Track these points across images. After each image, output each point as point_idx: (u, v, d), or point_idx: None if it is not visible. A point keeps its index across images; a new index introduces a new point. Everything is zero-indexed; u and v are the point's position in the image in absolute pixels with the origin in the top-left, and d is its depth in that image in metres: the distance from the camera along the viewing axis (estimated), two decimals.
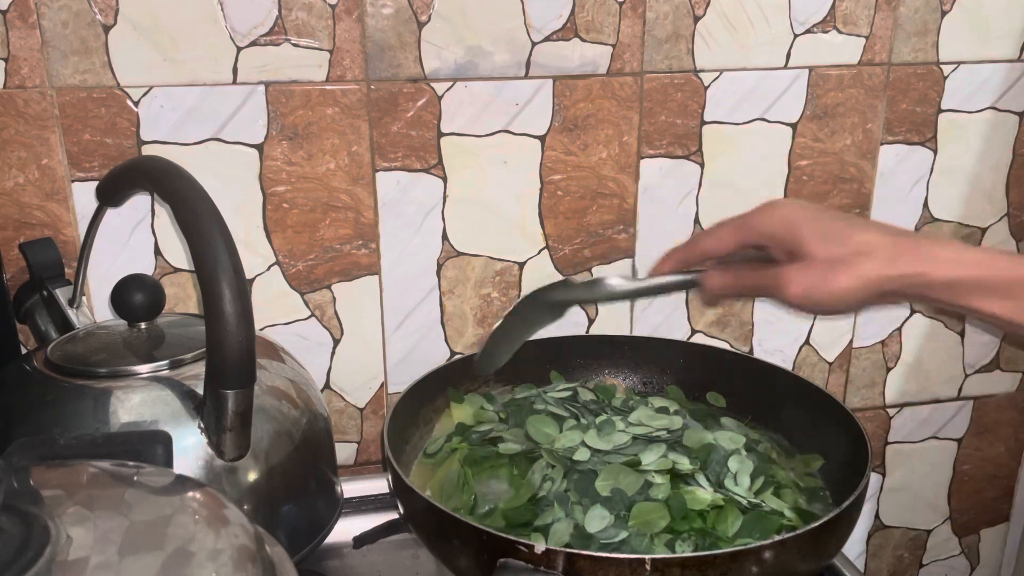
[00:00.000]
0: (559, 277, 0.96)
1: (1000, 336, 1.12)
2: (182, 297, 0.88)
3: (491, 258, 0.94)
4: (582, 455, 0.74)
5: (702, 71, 0.92)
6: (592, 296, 0.70)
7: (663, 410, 0.81)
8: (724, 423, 0.83)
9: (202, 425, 0.61)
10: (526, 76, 0.88)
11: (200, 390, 0.62)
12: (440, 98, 0.87)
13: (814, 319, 1.05)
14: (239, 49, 0.82)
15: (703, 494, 0.69)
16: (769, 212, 0.62)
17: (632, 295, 0.69)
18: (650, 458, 0.72)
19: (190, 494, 0.45)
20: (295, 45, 0.83)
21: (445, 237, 0.92)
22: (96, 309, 0.85)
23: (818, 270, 0.59)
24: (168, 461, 0.50)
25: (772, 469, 0.75)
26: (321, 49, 0.83)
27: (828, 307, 0.60)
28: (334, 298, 0.91)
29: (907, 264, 0.58)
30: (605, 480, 0.70)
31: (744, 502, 0.70)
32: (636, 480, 0.70)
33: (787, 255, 0.61)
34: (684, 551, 0.66)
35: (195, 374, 0.64)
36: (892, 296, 0.61)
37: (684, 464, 0.72)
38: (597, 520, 0.67)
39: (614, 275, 0.68)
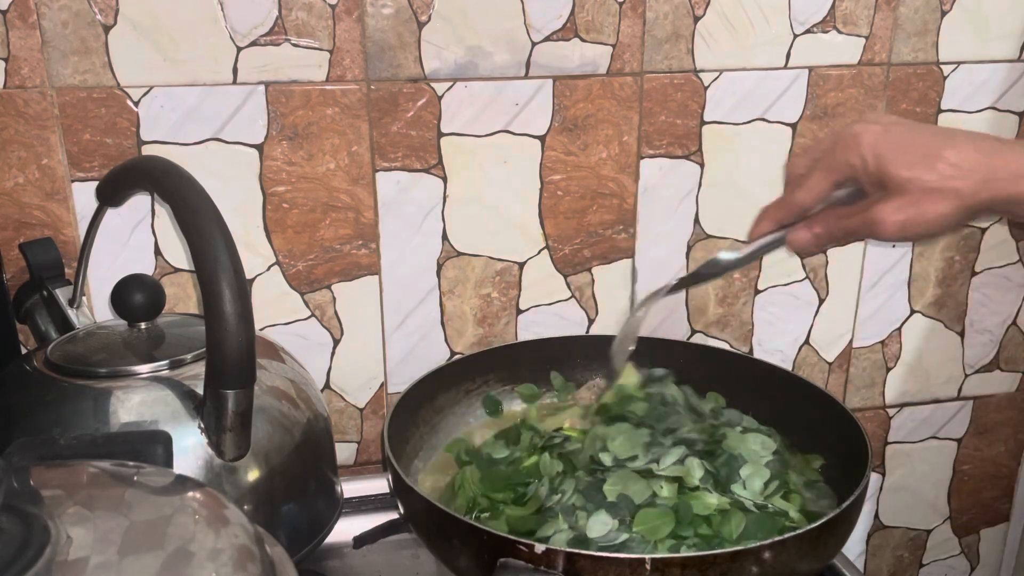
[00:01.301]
0: (559, 277, 0.96)
1: (1000, 335, 1.12)
2: (182, 297, 0.88)
3: (491, 258, 0.94)
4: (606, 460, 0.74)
5: (702, 71, 0.92)
6: (710, 275, 0.70)
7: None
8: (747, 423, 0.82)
9: (202, 425, 0.61)
10: (526, 76, 0.88)
11: (200, 390, 0.62)
12: (440, 98, 0.87)
13: (814, 319, 1.05)
14: (239, 49, 0.82)
15: (710, 499, 0.69)
16: (854, 145, 0.59)
17: (741, 264, 0.68)
18: (666, 463, 0.72)
19: (190, 494, 0.45)
20: (295, 45, 0.83)
21: (445, 237, 0.92)
22: (96, 309, 0.85)
23: (911, 203, 0.57)
24: (168, 461, 0.50)
25: (787, 475, 0.75)
26: (321, 49, 0.83)
27: (926, 236, 0.58)
28: (334, 298, 0.91)
29: (1002, 185, 0.56)
30: (613, 486, 0.70)
31: (750, 504, 0.70)
32: (644, 488, 0.70)
33: (878, 186, 0.59)
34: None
35: (195, 374, 0.64)
36: (988, 213, 0.59)
37: (694, 474, 0.72)
38: (600, 525, 0.67)
39: (722, 250, 0.69)
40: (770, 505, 0.71)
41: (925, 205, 0.57)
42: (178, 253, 0.86)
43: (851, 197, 0.62)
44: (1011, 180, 0.56)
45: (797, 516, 0.71)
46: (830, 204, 0.63)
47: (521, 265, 0.95)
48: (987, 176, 0.56)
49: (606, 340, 0.92)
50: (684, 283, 0.71)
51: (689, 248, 0.98)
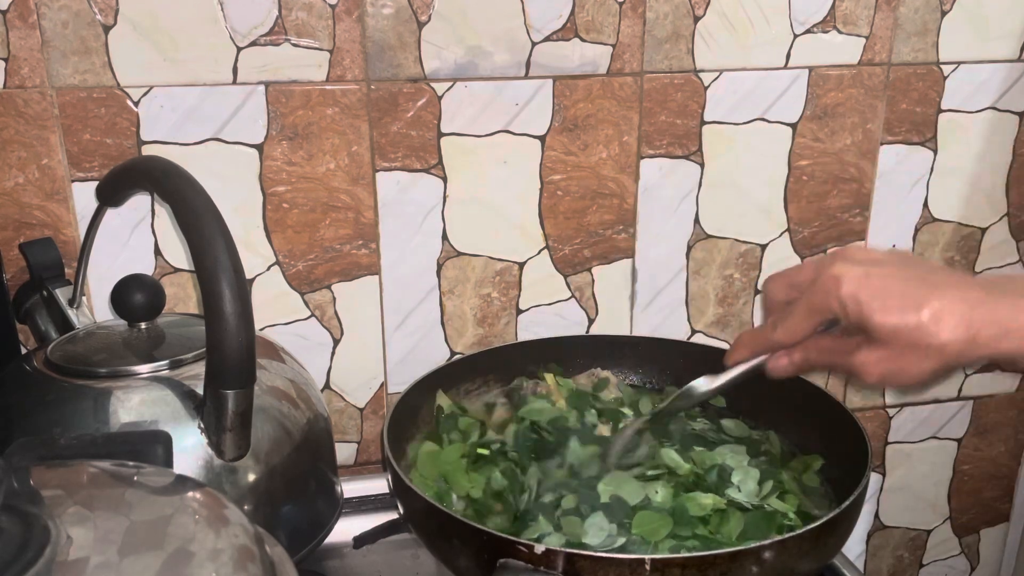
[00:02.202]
0: (559, 277, 0.96)
1: None
2: (182, 297, 0.88)
3: (491, 258, 0.94)
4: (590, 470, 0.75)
5: (702, 71, 0.92)
6: (685, 406, 0.73)
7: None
8: (725, 426, 0.83)
9: (202, 425, 0.61)
10: (526, 76, 0.88)
11: (200, 390, 0.62)
12: (440, 98, 0.87)
13: None
14: (239, 49, 0.82)
15: (705, 499, 0.69)
16: (834, 288, 0.57)
17: (717, 393, 0.70)
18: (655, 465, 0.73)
19: (190, 494, 0.45)
20: (295, 45, 0.83)
21: (445, 237, 0.92)
22: (96, 309, 0.85)
23: (893, 358, 0.56)
24: (168, 461, 0.50)
25: (777, 474, 0.75)
26: (321, 49, 0.83)
27: (909, 387, 0.59)
28: (334, 298, 0.91)
29: (987, 343, 0.54)
30: (607, 486, 0.70)
31: (747, 504, 0.70)
32: (636, 487, 0.70)
33: (859, 331, 0.58)
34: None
35: (195, 374, 0.64)
36: (974, 364, 0.59)
37: (682, 465, 0.73)
38: (596, 530, 0.67)
39: (699, 380, 0.70)
40: (767, 505, 0.71)
41: (909, 360, 0.56)
42: (178, 253, 0.86)
43: (832, 327, 0.62)
44: (997, 338, 0.54)
45: (794, 516, 0.71)
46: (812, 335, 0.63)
47: (521, 265, 0.95)
48: (972, 334, 0.54)
49: (606, 340, 0.93)
50: (659, 415, 0.76)
51: (689, 248, 0.98)
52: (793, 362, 0.63)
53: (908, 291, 0.55)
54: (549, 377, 0.87)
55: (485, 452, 0.77)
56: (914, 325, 0.54)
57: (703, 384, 0.69)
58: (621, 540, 0.67)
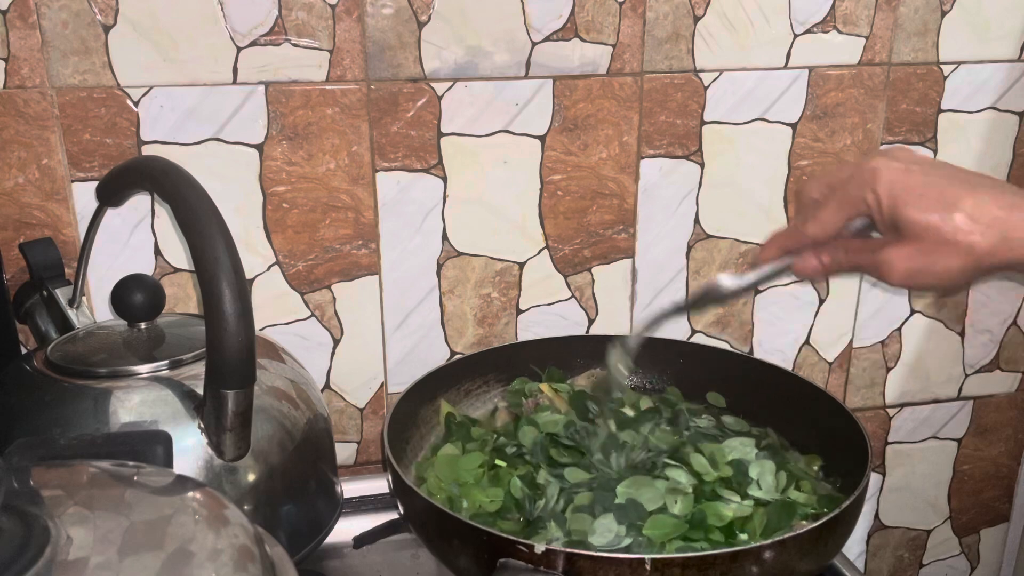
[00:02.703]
0: (559, 277, 0.96)
1: (1001, 335, 1.12)
2: (182, 297, 0.88)
3: (491, 258, 0.94)
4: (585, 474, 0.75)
5: (702, 71, 0.92)
6: (711, 301, 0.69)
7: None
8: (726, 422, 0.83)
9: (202, 425, 0.61)
10: (526, 76, 0.88)
11: (200, 390, 0.62)
12: (440, 98, 0.87)
13: (814, 319, 1.05)
14: (239, 49, 0.82)
15: (725, 510, 0.69)
16: (871, 181, 0.57)
17: (743, 292, 0.68)
18: (675, 475, 0.73)
19: (190, 494, 0.45)
20: (295, 45, 0.83)
21: (445, 237, 0.92)
22: (96, 309, 0.85)
23: (921, 252, 0.55)
24: (168, 461, 0.50)
25: (786, 464, 0.76)
26: (321, 49, 0.83)
27: (932, 288, 0.57)
28: (334, 298, 0.91)
29: (1018, 245, 0.53)
30: (626, 488, 0.70)
31: (768, 499, 0.70)
32: (656, 494, 0.70)
33: (892, 228, 0.57)
34: None
35: (195, 374, 0.64)
36: (1000, 272, 0.57)
37: (709, 470, 0.73)
38: (603, 530, 0.67)
39: (723, 275, 0.67)
40: (788, 496, 0.71)
41: (937, 257, 0.55)
42: (178, 253, 0.86)
43: (863, 230, 0.60)
44: None
45: (813, 501, 0.72)
46: (841, 235, 0.61)
47: (521, 265, 0.95)
48: (1005, 234, 0.53)
49: (606, 340, 0.93)
50: (683, 308, 0.71)
51: (689, 248, 0.98)
52: (822, 263, 0.62)
53: (944, 188, 0.55)
54: (545, 387, 0.86)
55: (503, 464, 0.77)
56: (947, 220, 0.54)
57: (728, 280, 0.66)
58: (627, 542, 0.66)
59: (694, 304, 0.70)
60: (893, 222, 0.56)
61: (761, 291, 1.02)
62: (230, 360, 0.58)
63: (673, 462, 0.75)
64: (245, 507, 0.64)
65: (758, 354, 1.04)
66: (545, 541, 0.67)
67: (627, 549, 0.66)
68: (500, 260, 0.94)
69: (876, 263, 0.58)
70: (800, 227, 0.62)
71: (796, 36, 0.93)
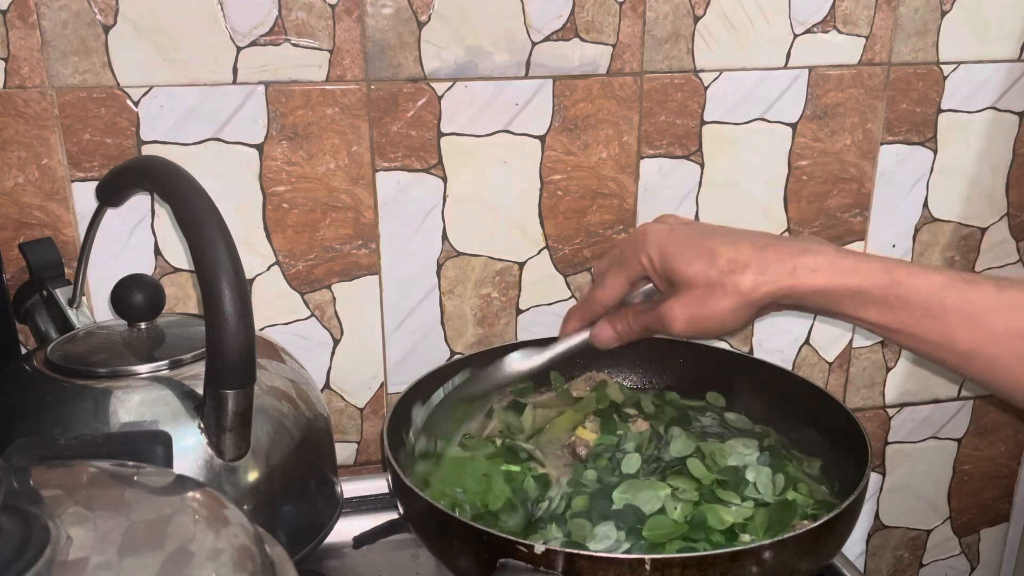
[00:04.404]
0: (559, 277, 0.96)
1: None
2: (182, 297, 0.88)
3: (491, 258, 0.94)
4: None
5: (702, 71, 0.92)
6: (501, 382, 0.73)
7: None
8: (729, 419, 0.83)
9: (202, 425, 0.61)
10: (526, 76, 0.88)
11: (200, 390, 0.62)
12: (440, 98, 0.87)
13: (814, 319, 1.05)
14: (239, 49, 0.82)
15: (725, 514, 0.69)
16: (642, 243, 0.62)
17: (540, 370, 0.71)
18: (674, 480, 0.73)
19: (190, 494, 0.45)
20: (295, 45, 0.83)
21: (445, 237, 0.92)
22: (96, 309, 0.85)
23: (696, 299, 0.60)
24: (168, 461, 0.50)
25: (784, 466, 0.76)
26: (321, 49, 0.83)
27: (715, 332, 0.61)
28: (334, 298, 0.91)
29: (777, 276, 0.58)
30: (623, 493, 0.70)
31: (767, 500, 0.71)
32: (653, 496, 0.70)
33: (667, 283, 0.62)
34: None
35: (195, 374, 0.64)
36: (771, 308, 0.61)
37: (704, 474, 0.73)
38: (603, 536, 0.67)
39: (516, 353, 0.71)
40: (787, 496, 0.71)
41: (710, 301, 0.59)
42: (178, 253, 0.86)
43: (650, 295, 0.65)
44: (785, 273, 0.58)
45: (811, 501, 0.72)
46: (631, 303, 0.66)
47: (521, 265, 0.95)
48: (762, 268, 0.58)
49: None
50: (472, 395, 0.76)
51: None
52: (616, 330, 0.66)
53: (704, 239, 0.61)
54: (581, 432, 0.84)
55: (516, 469, 0.76)
56: (712, 265, 0.59)
57: (517, 360, 0.70)
58: (626, 546, 0.66)
59: (483, 389, 0.75)
60: (667, 277, 0.62)
61: None
62: (230, 360, 0.58)
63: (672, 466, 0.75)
64: (245, 507, 0.64)
65: (758, 354, 1.04)
66: (544, 541, 0.67)
67: (627, 552, 0.66)
68: (500, 260, 0.94)
69: (660, 317, 0.62)
70: (592, 296, 0.67)
71: (796, 36, 0.93)
